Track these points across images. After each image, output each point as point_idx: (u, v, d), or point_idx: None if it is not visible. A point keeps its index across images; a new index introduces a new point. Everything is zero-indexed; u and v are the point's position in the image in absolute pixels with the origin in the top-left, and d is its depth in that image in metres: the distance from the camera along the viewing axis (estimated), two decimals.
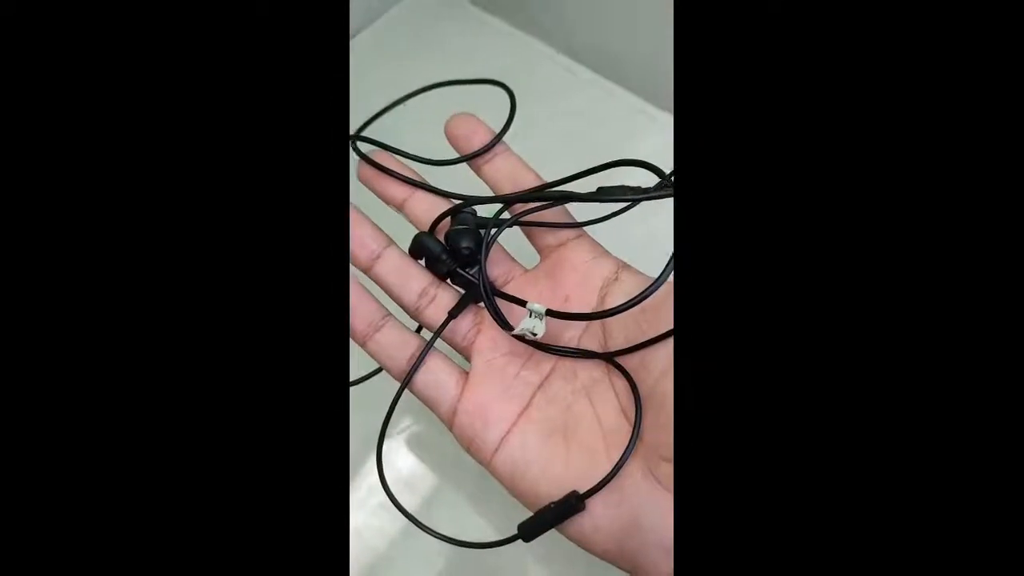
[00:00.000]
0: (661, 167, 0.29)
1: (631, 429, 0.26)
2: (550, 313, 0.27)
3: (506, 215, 0.31)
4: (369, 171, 0.33)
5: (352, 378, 0.34)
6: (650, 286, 0.26)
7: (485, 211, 0.32)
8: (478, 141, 0.32)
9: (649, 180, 0.29)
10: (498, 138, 0.32)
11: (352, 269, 0.31)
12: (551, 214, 0.31)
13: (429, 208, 0.32)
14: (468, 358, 0.31)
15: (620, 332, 0.28)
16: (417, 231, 0.32)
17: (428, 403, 0.30)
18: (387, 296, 0.31)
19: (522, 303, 0.28)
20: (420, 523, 0.30)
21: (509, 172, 0.32)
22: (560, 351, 0.29)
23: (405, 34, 0.57)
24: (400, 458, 0.39)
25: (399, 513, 0.30)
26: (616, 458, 0.26)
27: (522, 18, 0.55)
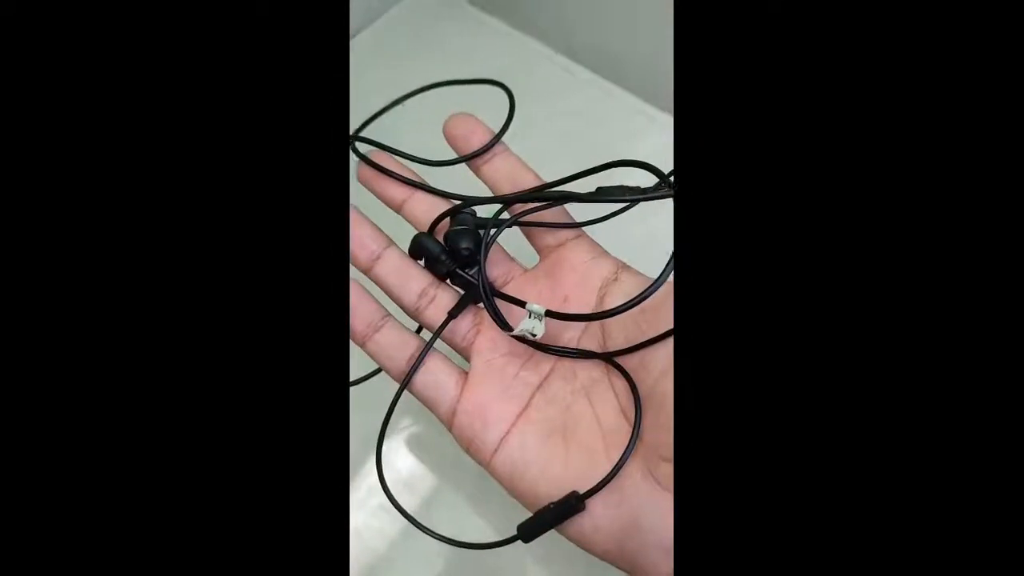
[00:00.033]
0: (660, 167, 0.29)
1: (631, 429, 0.26)
2: (549, 314, 0.27)
3: (505, 215, 0.31)
4: (368, 172, 0.33)
5: (352, 378, 0.34)
6: (650, 286, 0.26)
7: (484, 211, 0.31)
8: (477, 141, 0.32)
9: (648, 180, 0.29)
10: (497, 138, 0.32)
11: (352, 269, 0.31)
12: (550, 214, 0.31)
13: (428, 209, 0.32)
14: (467, 358, 0.31)
15: (619, 332, 0.28)
16: (416, 232, 0.32)
17: (427, 403, 0.30)
18: (387, 296, 0.31)
19: (521, 304, 0.28)
20: (420, 524, 0.30)
21: (508, 172, 0.32)
22: (559, 351, 0.29)
23: (405, 34, 0.57)
24: (400, 459, 0.39)
25: (399, 514, 0.30)
26: (616, 458, 0.26)
27: (521, 18, 0.55)
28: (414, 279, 0.31)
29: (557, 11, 0.53)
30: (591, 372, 0.29)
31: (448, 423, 0.30)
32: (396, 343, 0.30)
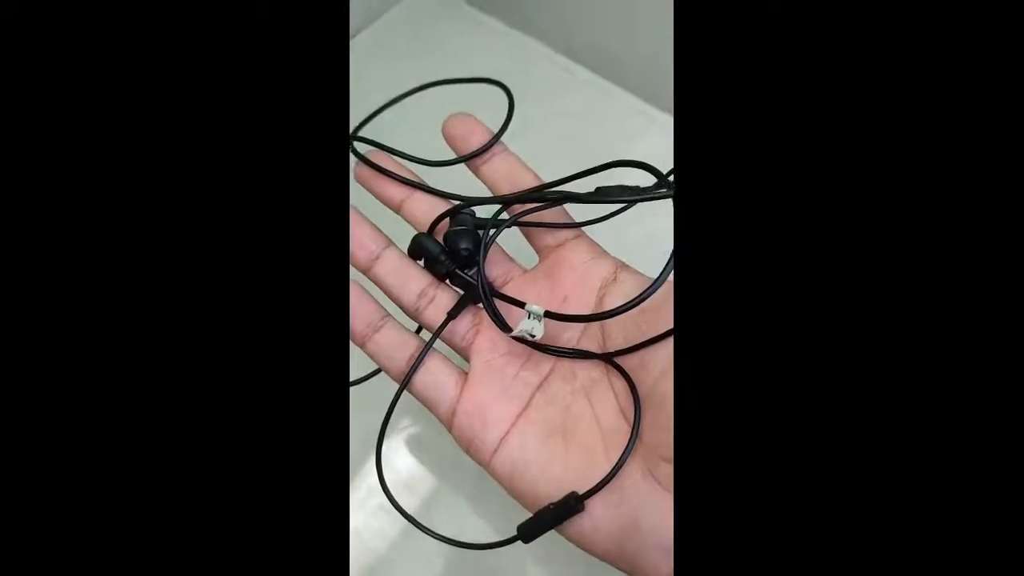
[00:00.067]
0: (660, 168, 0.29)
1: (630, 429, 0.26)
2: (548, 315, 0.27)
3: (505, 216, 0.31)
4: (367, 172, 0.33)
5: (352, 378, 0.34)
6: (649, 287, 0.26)
7: (484, 212, 0.31)
8: (476, 141, 0.32)
9: (647, 180, 0.29)
10: (496, 138, 0.32)
11: (351, 270, 0.31)
12: (550, 214, 0.31)
13: (428, 209, 0.32)
14: (467, 359, 0.31)
15: (619, 332, 0.28)
16: (416, 232, 0.32)
17: (427, 404, 0.30)
18: (386, 297, 0.31)
19: (521, 304, 0.28)
20: (420, 524, 0.30)
21: (507, 172, 0.32)
22: (559, 352, 0.29)
23: (404, 34, 0.57)
24: (399, 459, 0.39)
25: (399, 514, 0.30)
26: (615, 459, 0.26)
27: (521, 18, 0.55)
28: (413, 279, 0.31)
29: (557, 11, 0.53)
30: (591, 372, 0.29)
31: (448, 423, 0.30)
32: (396, 343, 0.30)
